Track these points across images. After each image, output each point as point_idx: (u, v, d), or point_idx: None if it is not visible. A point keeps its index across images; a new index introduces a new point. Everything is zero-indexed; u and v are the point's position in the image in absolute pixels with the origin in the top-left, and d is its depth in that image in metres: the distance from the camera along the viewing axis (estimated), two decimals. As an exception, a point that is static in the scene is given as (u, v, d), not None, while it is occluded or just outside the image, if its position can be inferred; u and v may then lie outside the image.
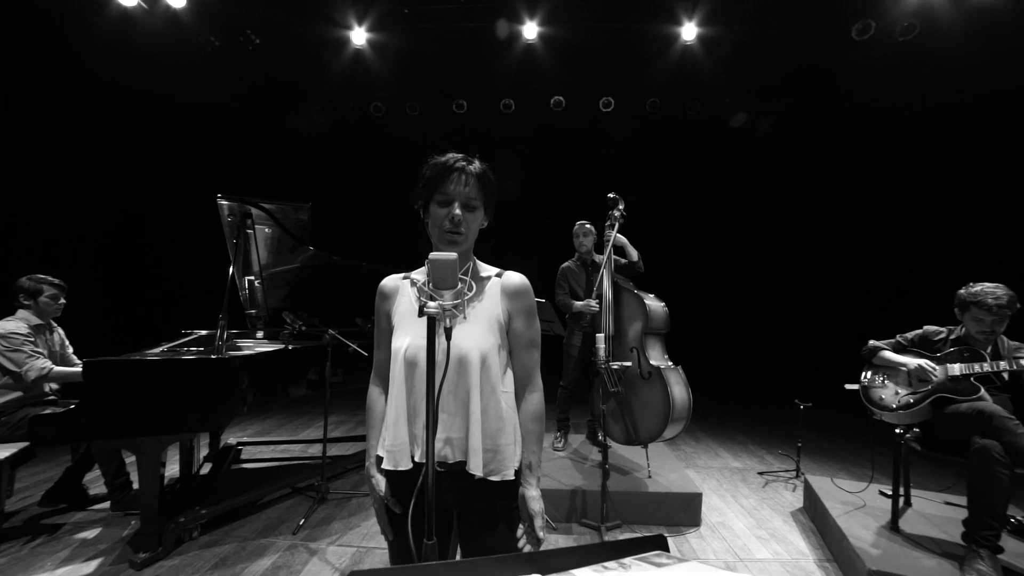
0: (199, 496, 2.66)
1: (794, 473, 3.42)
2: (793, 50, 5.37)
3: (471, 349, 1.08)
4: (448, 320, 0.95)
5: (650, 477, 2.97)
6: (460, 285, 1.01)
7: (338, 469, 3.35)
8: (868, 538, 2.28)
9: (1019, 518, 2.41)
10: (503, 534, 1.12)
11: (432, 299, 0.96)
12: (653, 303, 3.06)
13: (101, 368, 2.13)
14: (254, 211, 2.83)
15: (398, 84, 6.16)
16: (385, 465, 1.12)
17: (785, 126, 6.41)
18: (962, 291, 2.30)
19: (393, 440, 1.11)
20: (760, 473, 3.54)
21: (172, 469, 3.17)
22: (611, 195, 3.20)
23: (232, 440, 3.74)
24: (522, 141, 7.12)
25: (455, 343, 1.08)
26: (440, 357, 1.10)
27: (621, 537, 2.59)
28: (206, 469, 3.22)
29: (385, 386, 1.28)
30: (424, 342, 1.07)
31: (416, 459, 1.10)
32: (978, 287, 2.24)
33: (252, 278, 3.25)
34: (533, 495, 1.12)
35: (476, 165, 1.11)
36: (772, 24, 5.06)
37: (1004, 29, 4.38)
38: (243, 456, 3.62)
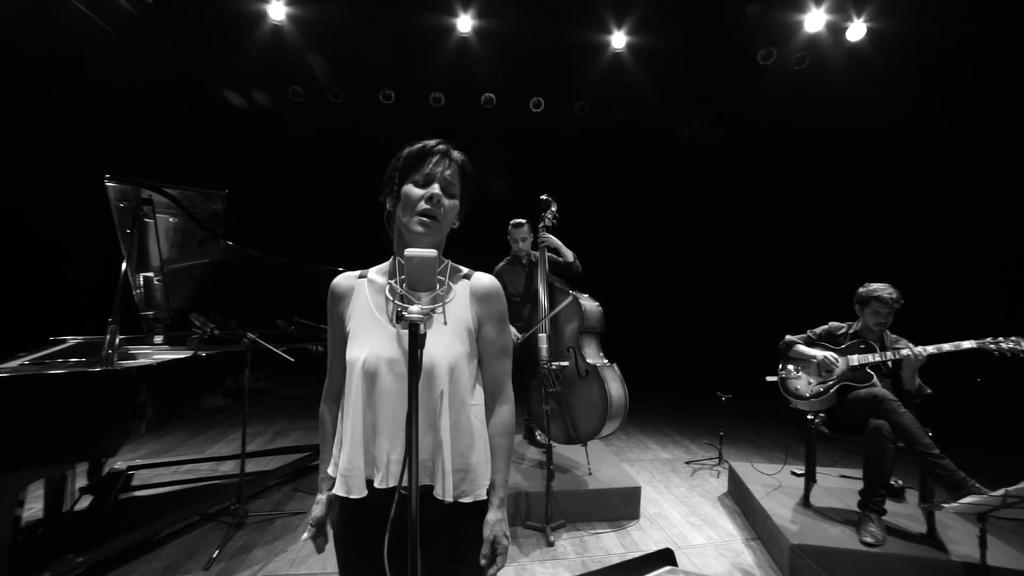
0: (74, 539, 2.20)
1: (717, 460, 3.68)
2: (712, 66, 5.83)
3: (439, 359, 0.98)
4: (423, 327, 0.83)
5: (590, 474, 3.02)
6: (438, 286, 0.90)
7: (258, 487, 3.00)
8: (787, 515, 2.50)
9: (892, 481, 2.79)
10: (472, 559, 1.02)
11: (405, 301, 0.84)
12: (588, 303, 3.12)
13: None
14: (155, 197, 2.43)
15: (321, 68, 5.72)
16: (336, 490, 1.00)
17: (704, 136, 6.91)
18: (862, 290, 2.62)
19: (348, 464, 0.99)
20: (687, 462, 3.76)
21: (34, 508, 2.61)
22: (544, 197, 3.21)
23: (120, 464, 3.20)
24: (451, 136, 6.96)
25: (431, 353, 0.97)
26: (402, 369, 1.00)
27: (565, 536, 2.60)
28: (85, 503, 2.71)
29: (339, 399, 1.14)
30: (387, 352, 0.99)
31: (376, 484, 0.98)
32: (874, 286, 2.56)
33: (151, 275, 2.80)
34: (492, 519, 1.02)
35: (458, 153, 1.03)
36: (694, 40, 5.43)
37: (872, 69, 5.13)
38: (135, 482, 3.10)
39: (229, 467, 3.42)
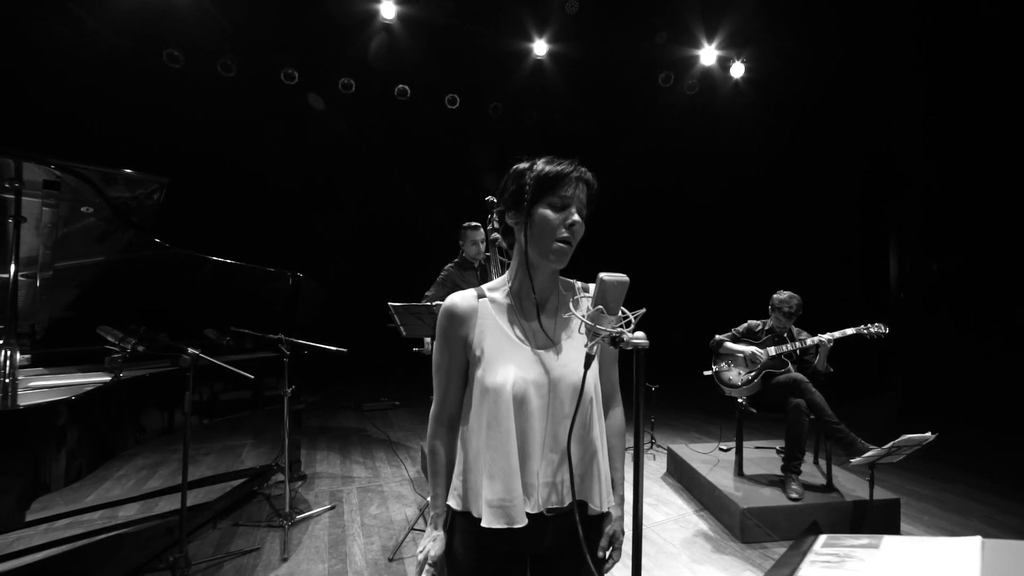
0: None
1: (650, 445, 4.09)
2: (619, 83, 6.36)
3: (589, 376, 1.00)
4: (594, 348, 0.88)
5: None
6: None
7: (190, 526, 2.47)
8: (730, 485, 2.92)
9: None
10: (600, 562, 1.08)
11: (602, 323, 0.86)
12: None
13: None
14: (65, 179, 1.86)
15: (213, 35, 4.89)
16: (489, 523, 0.96)
17: (611, 147, 7.47)
18: (775, 296, 3.13)
19: (506, 494, 0.96)
20: (625, 449, 4.10)
21: None
22: (489, 198, 3.22)
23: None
24: (359, 126, 6.54)
25: (574, 372, 1.00)
26: (546, 390, 1.01)
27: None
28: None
29: (455, 428, 1.08)
30: (532, 375, 1.00)
31: (529, 511, 0.98)
32: (784, 295, 3.08)
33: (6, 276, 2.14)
34: (615, 515, 1.10)
35: (590, 175, 1.02)
36: (608, 55, 5.87)
37: (746, 99, 6.12)
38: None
39: (132, 511, 2.77)
